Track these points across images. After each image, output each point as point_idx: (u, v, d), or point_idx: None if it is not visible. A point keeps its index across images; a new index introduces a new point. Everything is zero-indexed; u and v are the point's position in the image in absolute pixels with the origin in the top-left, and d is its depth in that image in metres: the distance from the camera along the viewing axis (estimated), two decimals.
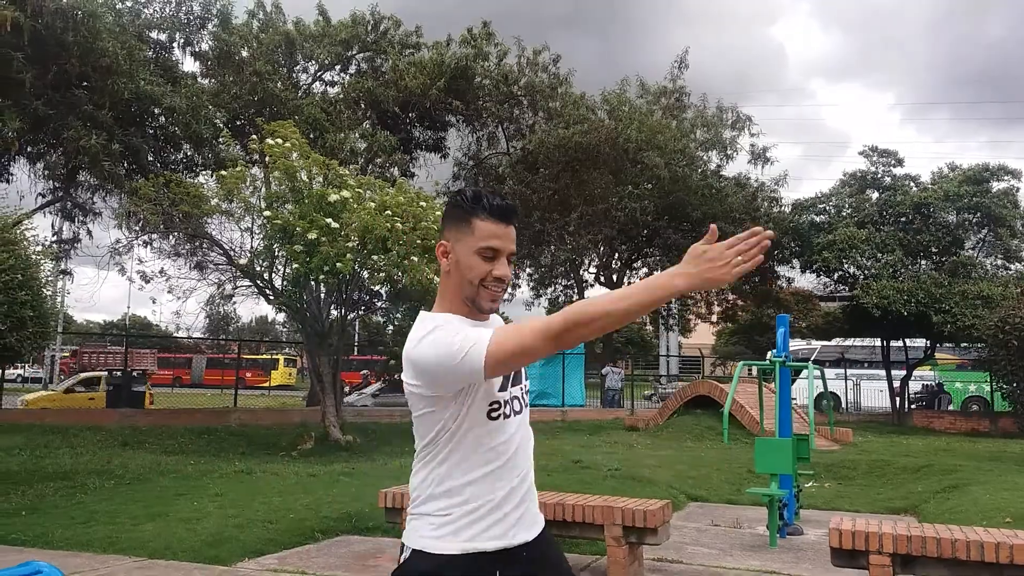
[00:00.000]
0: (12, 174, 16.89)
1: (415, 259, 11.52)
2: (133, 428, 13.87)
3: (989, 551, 4.65)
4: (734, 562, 6.32)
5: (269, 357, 40.35)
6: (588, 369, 25.80)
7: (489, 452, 1.81)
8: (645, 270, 27.37)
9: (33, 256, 7.90)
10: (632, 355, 43.82)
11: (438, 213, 12.90)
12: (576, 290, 26.42)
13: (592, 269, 26.35)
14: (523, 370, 1.93)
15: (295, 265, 11.54)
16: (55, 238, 15.93)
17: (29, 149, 14.11)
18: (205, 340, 42.46)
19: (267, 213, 11.67)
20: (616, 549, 5.48)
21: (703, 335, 42.42)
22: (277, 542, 6.48)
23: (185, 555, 6.03)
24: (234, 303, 14.38)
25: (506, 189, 23.32)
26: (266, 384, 34.97)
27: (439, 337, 1.72)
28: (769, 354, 8.18)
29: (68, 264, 16.21)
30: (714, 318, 29.96)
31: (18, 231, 7.79)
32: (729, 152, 23.87)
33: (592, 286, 27.64)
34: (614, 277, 25.95)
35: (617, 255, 25.75)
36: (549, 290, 27.03)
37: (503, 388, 1.84)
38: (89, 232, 17.26)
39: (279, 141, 12.15)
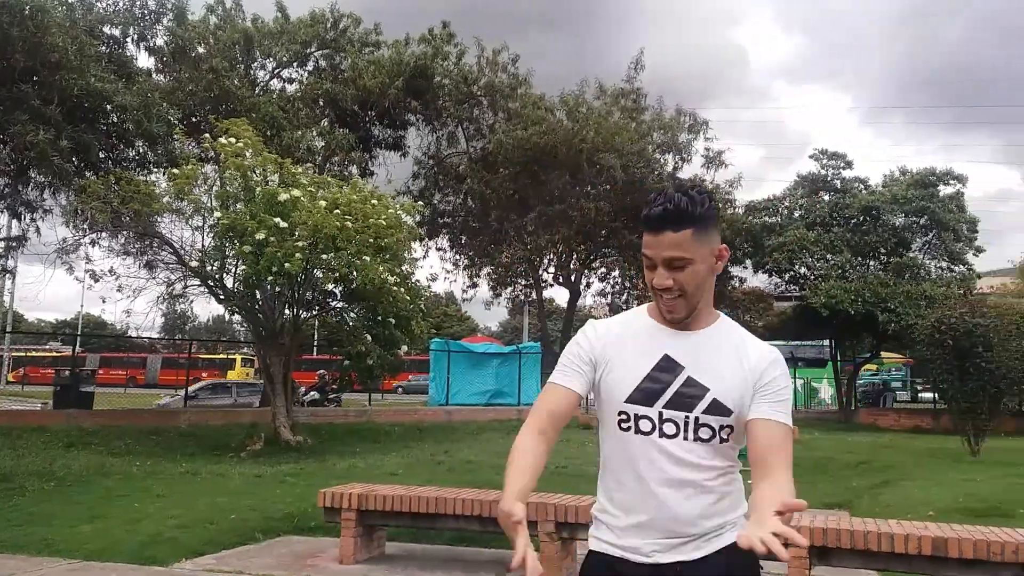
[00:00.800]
0: None
1: (367, 258, 11.55)
2: (80, 429, 13.67)
3: (899, 542, 4.87)
4: None
5: (226, 357, 39.86)
6: (547, 369, 26.03)
7: None
8: (603, 270, 27.68)
9: None
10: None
11: (391, 212, 12.96)
12: (535, 290, 26.61)
13: (551, 269, 26.56)
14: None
15: (243, 266, 11.50)
16: (1, 236, 15.66)
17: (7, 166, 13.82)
18: (161, 340, 41.86)
19: (217, 213, 11.61)
20: (548, 544, 5.62)
21: None
22: (217, 542, 6.50)
23: (122, 557, 6.02)
24: (190, 302, 14.25)
25: (465, 188, 23.44)
26: None
27: None
28: None
29: (15, 263, 15.90)
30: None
31: None
32: (685, 155, 24.25)
33: (551, 286, 27.88)
34: (572, 277, 26.20)
35: (575, 255, 25.98)
36: (508, 290, 27.19)
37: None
38: (38, 230, 16.98)
39: (232, 140, 12.10)
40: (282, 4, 19.73)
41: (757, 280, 26.93)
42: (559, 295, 46.07)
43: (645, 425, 1.74)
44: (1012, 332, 13.19)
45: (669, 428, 1.73)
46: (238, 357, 39.02)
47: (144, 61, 17.86)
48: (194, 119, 17.73)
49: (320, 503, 6.11)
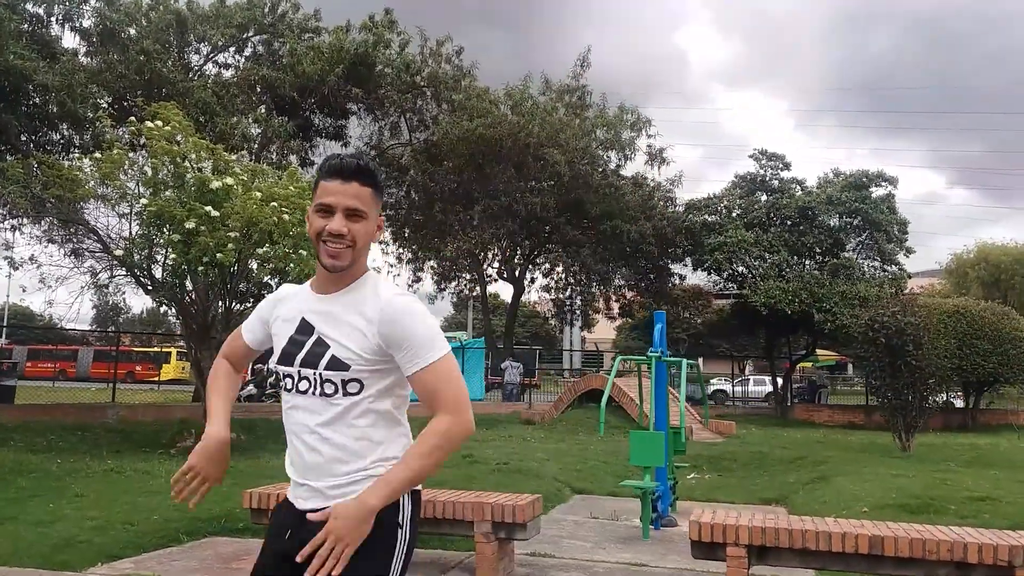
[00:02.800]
0: None
1: (304, 252, 11.21)
2: None
3: (836, 541, 4.87)
4: (606, 555, 6.42)
5: (160, 350, 38.57)
6: (492, 364, 25.86)
7: None
8: (547, 265, 27.66)
9: None
10: (535, 350, 44.25)
11: None
12: (479, 284, 26.45)
13: (495, 264, 26.43)
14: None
15: (172, 256, 11.04)
16: None
17: None
18: (92, 332, 40.33)
19: (144, 200, 11.11)
20: (485, 545, 5.48)
21: (605, 330, 43.29)
22: (137, 545, 6.16)
23: (32, 561, 5.65)
24: (121, 293, 13.65)
25: (408, 180, 23.11)
26: (156, 379, 33.43)
27: None
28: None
29: None
30: (614, 313, 30.59)
31: None
32: (628, 152, 24.39)
33: (495, 280, 27.77)
34: (516, 272, 26.12)
35: (519, 250, 25.91)
36: (452, 284, 26.96)
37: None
38: None
39: (159, 124, 11.59)
40: None
41: (696, 277, 27.32)
42: (503, 290, 46.10)
43: (288, 383, 1.96)
44: (940, 331, 13.60)
45: (303, 385, 1.92)
46: (173, 351, 37.79)
47: (70, 42, 17.08)
48: (124, 103, 17.01)
49: (245, 504, 5.84)
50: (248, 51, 20.17)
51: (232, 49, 19.93)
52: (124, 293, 13.69)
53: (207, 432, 2.02)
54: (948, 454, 13.64)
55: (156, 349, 39.66)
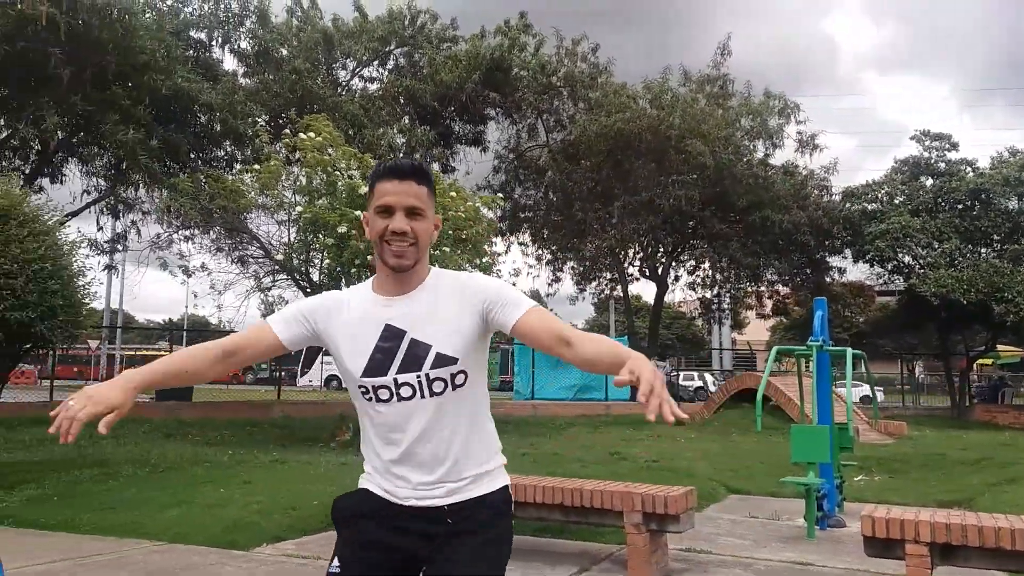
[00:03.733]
0: (64, 175, 17.40)
1: (447, 249, 11.43)
2: (179, 421, 14.09)
3: None
4: (767, 553, 6.03)
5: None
6: None
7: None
8: (692, 262, 26.85)
9: (64, 246, 8.01)
10: (683, 352, 43.12)
11: (469, 204, 12.80)
12: (620, 283, 26.03)
13: (636, 262, 25.89)
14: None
15: (327, 259, 11.56)
16: (100, 234, 16.31)
17: (81, 150, 14.43)
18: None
19: (299, 208, 11.71)
20: (636, 536, 5.26)
21: (757, 331, 41.46)
22: (297, 528, 6.43)
23: (204, 540, 6.02)
24: (283, 301, 14.50)
25: (546, 181, 23.11)
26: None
27: None
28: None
29: (122, 265, 16.54)
30: (766, 310, 29.22)
31: (49, 221, 7.90)
32: (776, 140, 23.20)
33: (637, 279, 27.22)
34: (659, 270, 25.49)
35: (662, 247, 25.24)
36: (592, 284, 26.68)
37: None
38: (138, 230, 17.68)
39: (312, 135, 12.19)
40: (360, 3, 19.92)
41: (857, 271, 25.58)
42: (646, 291, 45.22)
43: (383, 393, 1.88)
44: None
45: (405, 391, 1.87)
46: None
47: (230, 64, 18.36)
48: (280, 120, 18.08)
49: None
50: (390, 64, 20.92)
51: (376, 63, 20.73)
52: (285, 301, 14.48)
53: (108, 383, 1.78)
54: None
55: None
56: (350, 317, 1.93)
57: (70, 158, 16.55)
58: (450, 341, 1.86)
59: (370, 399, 1.90)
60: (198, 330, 38.29)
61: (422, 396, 1.86)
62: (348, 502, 2.02)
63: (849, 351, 7.75)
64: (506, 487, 1.99)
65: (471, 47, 19.95)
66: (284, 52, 18.72)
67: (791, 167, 23.76)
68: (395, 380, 1.86)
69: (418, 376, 1.85)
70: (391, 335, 1.88)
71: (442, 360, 1.85)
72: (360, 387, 1.90)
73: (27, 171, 15.95)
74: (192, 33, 16.30)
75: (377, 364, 1.87)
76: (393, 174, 1.88)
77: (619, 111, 20.07)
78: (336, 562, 1.93)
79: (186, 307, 45.87)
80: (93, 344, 34.40)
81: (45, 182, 16.89)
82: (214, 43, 16.56)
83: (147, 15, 14.28)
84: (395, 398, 1.87)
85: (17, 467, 8.85)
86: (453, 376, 1.86)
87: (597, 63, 21.99)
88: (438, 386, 1.86)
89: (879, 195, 23.23)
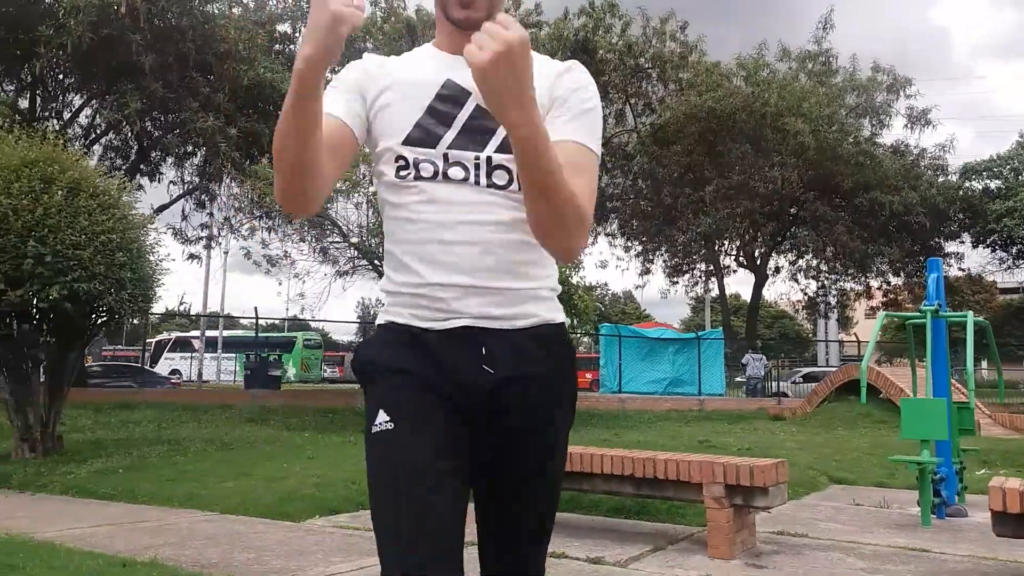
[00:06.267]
0: (161, 173, 18.01)
1: None
2: (263, 407, 14.18)
3: None
4: (874, 538, 5.25)
5: None
6: (731, 358, 24.12)
7: None
8: (794, 252, 25.44)
9: (134, 218, 8.00)
10: (786, 351, 41.27)
11: None
12: (716, 275, 24.90)
13: (732, 251, 24.70)
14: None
15: None
16: (185, 224, 16.70)
17: (166, 139, 14.79)
18: (354, 342, 44.12)
19: (372, 188, 11.52)
20: (717, 512, 4.61)
21: (865, 329, 39.13)
22: (356, 502, 6.11)
23: (257, 511, 5.79)
24: (381, 305, 14.50)
25: (634, 168, 22.34)
26: None
27: None
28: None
29: (224, 262, 16.89)
30: (876, 303, 27.37)
31: (118, 194, 7.90)
32: (883, 117, 21.63)
33: (734, 271, 25.99)
34: (757, 259, 24.23)
35: (760, 235, 23.94)
36: (686, 276, 25.63)
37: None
38: (230, 223, 18.05)
39: None
40: None
41: (977, 256, 23.57)
42: (743, 287, 43.43)
43: (426, 169, 1.41)
44: None
45: (456, 172, 1.40)
46: None
47: None
48: None
49: None
50: None
51: None
52: (350, 283, 14.41)
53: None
54: None
55: None
56: (401, 75, 1.46)
57: (165, 155, 17.06)
58: None
59: (407, 174, 1.40)
60: (302, 321, 39.28)
61: (476, 183, 1.39)
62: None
63: (971, 316, 6.78)
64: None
65: (554, 30, 19.47)
66: (369, 45, 18.76)
67: (901, 145, 22.11)
68: (445, 156, 1.39)
69: (477, 157, 1.39)
70: (451, 96, 1.42)
71: (510, 145, 1.33)
72: (397, 160, 1.41)
73: (125, 167, 16.52)
74: (278, 27, 16.51)
75: (424, 131, 1.41)
76: None
77: (711, 90, 19.13)
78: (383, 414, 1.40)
79: (286, 308, 47.38)
80: (196, 343, 35.84)
81: (144, 180, 17.51)
82: (298, 35, 16.73)
83: (234, 9, 14.50)
84: (440, 176, 1.39)
85: (97, 444, 8.95)
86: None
87: (687, 42, 21.09)
88: (500, 177, 1.39)
89: (1003, 171, 21.30)
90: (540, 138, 1.21)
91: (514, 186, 1.39)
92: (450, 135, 1.40)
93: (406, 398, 1.39)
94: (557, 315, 1.47)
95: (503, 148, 1.38)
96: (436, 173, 1.39)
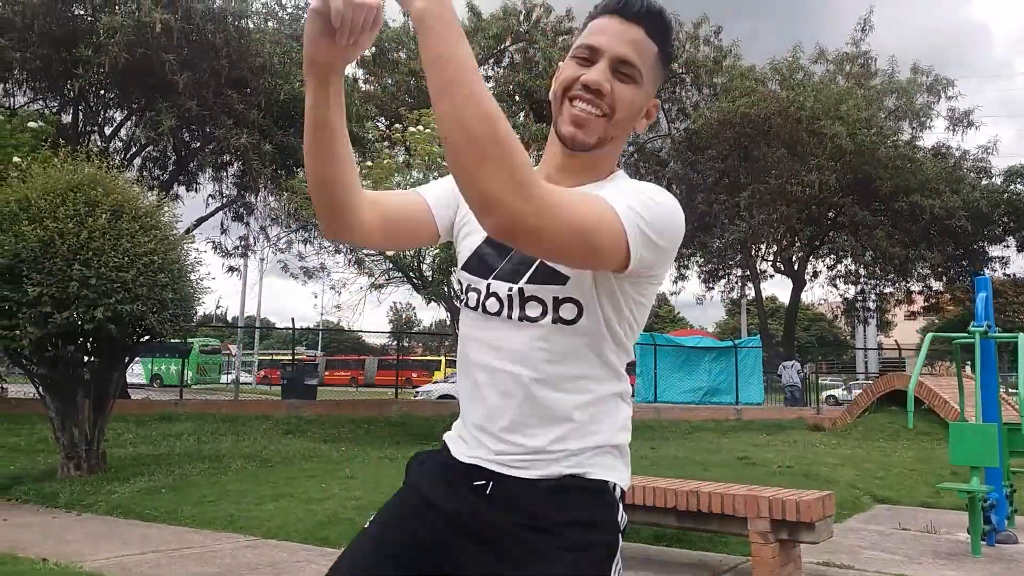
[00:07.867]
0: (199, 183, 18.27)
1: None
2: (299, 418, 14.29)
3: None
4: (923, 571, 5.13)
5: (432, 358, 41.94)
6: (769, 366, 23.78)
7: None
8: (832, 256, 25.03)
9: (173, 239, 8.11)
10: (823, 355, 40.58)
11: None
12: (752, 280, 24.59)
13: (769, 257, 24.37)
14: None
15: (436, 252, 11.32)
16: (224, 237, 16.92)
17: (201, 154, 14.98)
18: (387, 345, 44.42)
19: None
20: (762, 547, 4.53)
21: (905, 334, 38.35)
22: None
23: (298, 535, 5.83)
24: (413, 308, 14.52)
25: (668, 174, 22.16)
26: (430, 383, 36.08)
27: None
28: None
29: (239, 264, 17.11)
30: (917, 308, 26.82)
31: (160, 216, 8.01)
32: (924, 120, 21.19)
33: (771, 276, 25.65)
34: (795, 264, 23.89)
35: (798, 240, 23.59)
36: (722, 282, 25.36)
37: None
38: (267, 234, 18.27)
39: (421, 128, 12.04)
40: (472, 3, 19.81)
41: (1022, 261, 22.99)
42: (779, 289, 42.85)
43: (472, 298, 1.39)
44: None
45: (491, 304, 1.36)
46: (443, 358, 40.47)
47: (350, 69, 18.67)
48: (397, 125, 18.22)
49: None
50: (505, 61, 20.69)
51: (491, 60, 20.55)
52: (384, 294, 14.45)
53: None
54: None
55: (429, 357, 43.01)
56: None
57: (203, 167, 17.31)
58: None
59: (462, 301, 1.42)
60: (335, 330, 39.63)
61: (509, 316, 1.33)
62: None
63: (1022, 338, 6.60)
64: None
65: None
66: (402, 55, 18.87)
67: (942, 148, 21.63)
68: (488, 286, 1.36)
69: (510, 289, 1.33)
70: None
71: (546, 274, 1.31)
72: (459, 283, 1.43)
73: (164, 178, 16.78)
74: None
75: (480, 259, 1.39)
76: (618, 10, 1.30)
77: (744, 95, 18.90)
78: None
79: (321, 314, 47.78)
80: (234, 349, 36.36)
81: (181, 190, 17.78)
82: None
83: (269, 23, 14.64)
84: (480, 308, 1.37)
85: (139, 460, 9.08)
86: (557, 302, 1.31)
87: (721, 46, 20.87)
88: (532, 309, 1.32)
89: None
90: (443, 9, 1.03)
91: (547, 319, 1.31)
92: (501, 267, 1.37)
93: (395, 506, 1.44)
94: (581, 469, 1.32)
95: (535, 278, 1.32)
96: (478, 304, 1.38)
